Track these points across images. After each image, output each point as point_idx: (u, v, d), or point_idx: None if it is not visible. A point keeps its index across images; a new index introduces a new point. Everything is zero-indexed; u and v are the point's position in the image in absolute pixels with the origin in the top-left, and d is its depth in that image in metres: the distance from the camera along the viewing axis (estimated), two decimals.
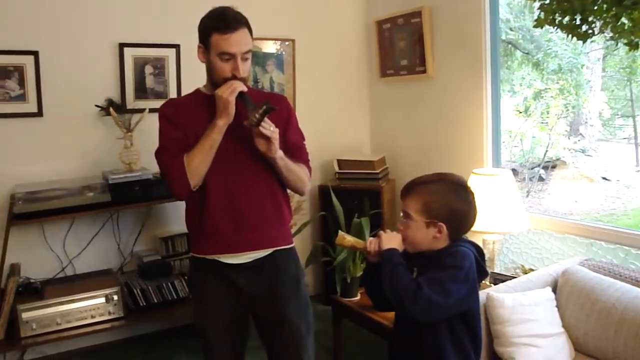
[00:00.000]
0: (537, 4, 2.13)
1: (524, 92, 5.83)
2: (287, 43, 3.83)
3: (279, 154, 1.97)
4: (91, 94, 3.20)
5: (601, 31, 1.99)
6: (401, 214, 1.78)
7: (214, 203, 1.99)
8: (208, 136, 1.93)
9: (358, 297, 3.00)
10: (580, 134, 6.04)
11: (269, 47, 3.77)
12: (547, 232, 3.00)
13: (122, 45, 3.29)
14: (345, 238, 1.83)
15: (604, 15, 1.96)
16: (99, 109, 3.16)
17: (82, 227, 3.25)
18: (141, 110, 3.20)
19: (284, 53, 3.83)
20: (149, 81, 3.40)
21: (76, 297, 2.92)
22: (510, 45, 5.58)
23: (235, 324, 2.10)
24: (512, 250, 3.16)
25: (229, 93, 1.90)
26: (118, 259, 3.38)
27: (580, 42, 2.08)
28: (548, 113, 5.79)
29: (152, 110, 3.08)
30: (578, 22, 2.08)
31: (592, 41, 2.12)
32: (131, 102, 3.32)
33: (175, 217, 3.44)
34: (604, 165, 5.68)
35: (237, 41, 1.91)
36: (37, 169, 3.12)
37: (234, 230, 2.01)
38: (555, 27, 2.12)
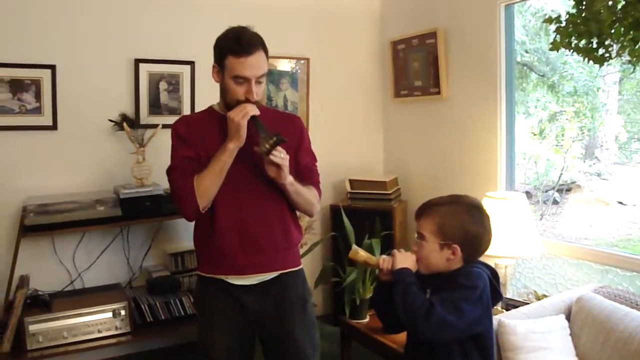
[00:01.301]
0: (553, 27, 2.11)
1: (539, 115, 5.80)
2: (302, 62, 3.84)
3: (288, 179, 1.96)
4: (106, 109, 3.22)
5: (618, 55, 1.97)
6: (415, 235, 1.75)
7: (222, 225, 1.98)
8: (218, 159, 1.93)
9: (367, 319, 2.96)
10: (596, 157, 5.98)
11: (284, 66, 3.79)
12: (561, 258, 2.94)
13: (137, 61, 3.31)
14: (359, 253, 1.80)
15: (621, 38, 1.93)
16: (113, 123, 3.18)
17: (93, 240, 3.25)
18: (154, 126, 3.21)
19: (298, 71, 3.84)
20: (163, 97, 3.42)
21: (83, 311, 2.90)
22: (525, 67, 5.56)
23: (241, 344, 2.07)
24: (525, 275, 3.11)
25: (241, 117, 1.90)
26: (127, 273, 3.38)
27: (597, 65, 2.06)
28: (563, 136, 5.75)
29: (165, 126, 3.09)
30: (594, 45, 2.06)
31: (608, 64, 2.10)
32: (145, 118, 3.34)
33: (185, 233, 3.43)
34: (620, 189, 5.61)
35: (252, 65, 1.91)
36: (50, 182, 3.14)
37: (242, 253, 1.99)
38: (572, 51, 2.10)
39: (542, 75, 5.90)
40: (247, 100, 1.92)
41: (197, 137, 2.00)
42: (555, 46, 2.13)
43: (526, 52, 5.58)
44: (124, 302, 2.99)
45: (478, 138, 3.34)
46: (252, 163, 1.97)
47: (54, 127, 3.14)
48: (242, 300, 2.02)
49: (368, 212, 3.61)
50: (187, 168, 1.95)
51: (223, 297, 2.03)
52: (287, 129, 2.03)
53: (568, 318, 2.37)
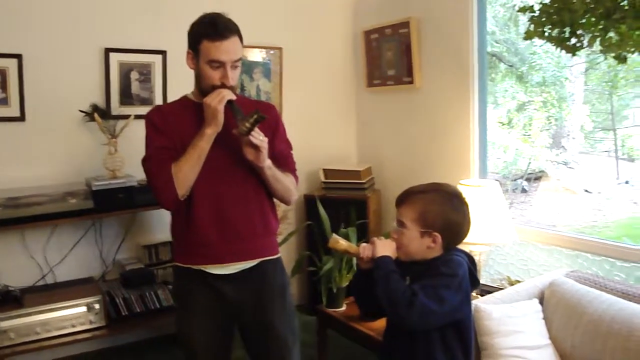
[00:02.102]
0: (526, 17, 2.14)
1: (507, 105, 5.89)
2: (273, 52, 3.82)
3: (267, 163, 1.95)
4: (76, 99, 3.15)
5: (590, 44, 2.01)
6: (394, 223, 1.76)
7: (201, 213, 1.97)
8: (196, 145, 1.90)
9: (344, 308, 2.97)
10: (562, 146, 6.11)
11: (255, 56, 3.76)
12: (532, 244, 3.01)
13: (107, 50, 3.25)
14: (339, 242, 1.80)
15: (592, 28, 1.98)
16: (84, 114, 3.11)
17: (64, 234, 3.19)
18: (126, 117, 3.15)
19: (270, 62, 3.82)
20: (135, 87, 3.36)
21: (56, 306, 2.85)
22: (494, 58, 5.63)
23: (220, 334, 2.06)
24: (498, 261, 3.16)
25: (218, 101, 1.88)
26: (100, 267, 3.32)
27: (565, 55, 2.10)
28: (531, 125, 5.85)
29: (137, 117, 3.04)
30: (567, 35, 2.10)
31: (578, 54, 2.14)
32: (116, 108, 3.28)
33: (158, 225, 3.39)
34: (586, 177, 5.75)
35: (227, 49, 1.89)
36: (19, 174, 3.06)
37: (222, 241, 1.98)
38: (545, 40, 2.14)
39: (511, 66, 5.98)
40: (223, 86, 1.90)
41: (172, 126, 1.97)
42: (528, 35, 2.17)
43: (496, 42, 5.65)
44: (98, 296, 2.95)
45: (451, 127, 3.37)
46: (229, 149, 1.95)
47: (21, 118, 3.06)
48: (221, 290, 2.00)
49: (342, 202, 3.62)
50: (163, 157, 1.92)
51: (201, 287, 2.01)
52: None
53: (541, 302, 2.43)
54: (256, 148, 1.89)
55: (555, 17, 2.06)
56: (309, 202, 3.76)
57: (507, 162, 6.05)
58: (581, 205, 5.65)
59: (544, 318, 2.37)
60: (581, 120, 5.72)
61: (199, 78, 1.97)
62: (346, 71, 4.15)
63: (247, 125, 1.83)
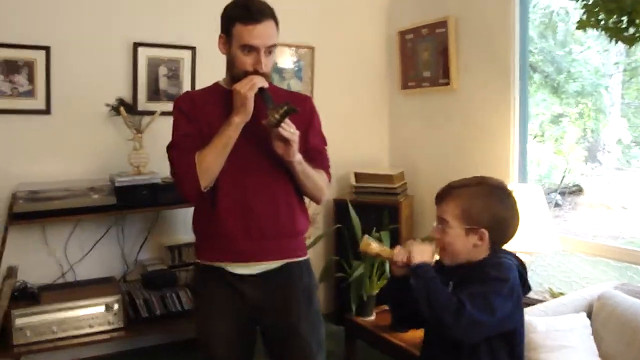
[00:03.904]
0: (579, 4, 1.98)
1: (541, 117, 5.70)
2: (305, 51, 3.70)
3: (297, 157, 1.81)
4: (102, 93, 3.08)
5: None
6: (434, 223, 1.61)
7: (225, 206, 1.84)
8: (223, 134, 1.78)
9: (374, 317, 2.82)
10: (598, 160, 5.87)
11: (288, 54, 3.65)
12: (575, 255, 2.81)
13: (136, 45, 3.17)
14: (371, 244, 1.65)
15: None
16: (109, 108, 3.04)
17: (86, 231, 3.10)
18: (153, 113, 3.07)
19: (302, 61, 3.71)
20: (163, 83, 3.28)
21: (74, 305, 2.75)
22: (529, 67, 5.45)
23: (242, 338, 1.92)
24: (538, 272, 2.97)
25: (248, 88, 1.76)
26: (121, 267, 3.22)
27: (605, 64, 1.93)
28: (564, 138, 5.63)
29: (164, 113, 2.95)
30: (625, 24, 1.93)
31: (616, 63, 1.98)
32: (143, 104, 3.20)
33: (183, 225, 3.28)
34: (623, 193, 5.50)
35: (261, 33, 1.77)
36: (43, 168, 2.99)
37: (246, 237, 1.84)
38: (599, 30, 1.98)
39: (547, 76, 5.78)
40: (256, 72, 1.78)
41: (200, 112, 1.86)
42: (581, 25, 2.00)
43: (531, 51, 5.47)
44: (117, 296, 2.84)
45: (489, 130, 3.21)
46: (258, 141, 1.83)
47: (47, 111, 3.00)
48: (243, 291, 1.87)
49: (373, 207, 3.47)
50: (188, 145, 1.80)
51: (223, 287, 1.88)
52: (297, 106, 1.88)
53: (589, 316, 2.24)
54: (286, 141, 1.77)
55: (612, 4, 1.89)
56: (338, 207, 3.61)
57: (541, 176, 5.84)
58: (618, 221, 5.41)
59: (593, 333, 2.18)
60: (618, 134, 5.49)
61: (230, 64, 1.86)
62: (380, 72, 4.02)
63: (277, 116, 1.70)
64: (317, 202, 2.02)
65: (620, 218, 5.49)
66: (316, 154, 1.97)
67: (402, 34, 3.77)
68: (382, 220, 3.16)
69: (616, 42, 1.98)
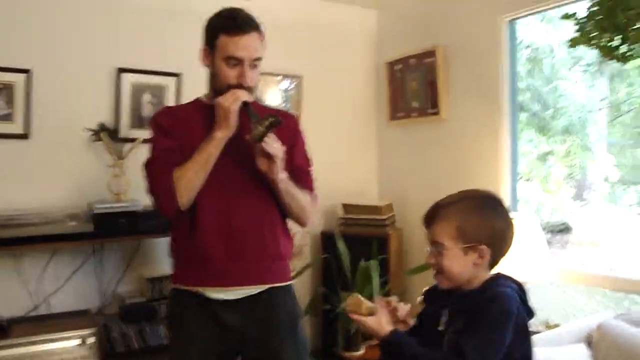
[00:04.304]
0: (572, 21, 1.95)
1: (528, 156, 5.69)
2: (293, 80, 3.67)
3: (281, 175, 1.73)
4: (84, 119, 2.98)
5: None
6: (427, 249, 1.51)
7: (205, 226, 1.74)
8: (204, 149, 1.70)
9: (363, 351, 2.69)
10: (585, 199, 5.84)
11: (276, 83, 3.61)
12: (571, 286, 2.72)
13: (120, 70, 3.11)
14: (363, 304, 1.48)
15: None
16: (91, 133, 2.94)
17: (61, 262, 2.95)
18: (135, 140, 2.98)
19: (291, 89, 3.67)
20: (147, 110, 3.20)
21: (46, 338, 2.58)
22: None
23: None
24: (534, 303, 2.85)
25: (232, 101, 1.69)
26: (98, 299, 3.06)
27: (591, 98, 1.91)
28: (552, 176, 5.61)
29: (147, 140, 2.86)
30: (619, 43, 1.91)
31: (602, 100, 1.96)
32: (125, 131, 3.12)
33: (164, 256, 3.13)
34: (609, 231, 5.45)
35: (246, 45, 1.72)
36: (19, 194, 2.86)
37: (227, 258, 1.74)
38: (592, 47, 1.95)
39: (534, 114, 5.80)
40: (240, 86, 1.71)
41: (180, 128, 1.78)
42: (575, 42, 1.98)
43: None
44: (92, 329, 2.69)
45: (479, 160, 3.16)
46: (241, 158, 1.75)
47: (25, 136, 2.90)
48: (222, 318, 1.76)
49: (362, 239, 3.37)
50: (167, 160, 1.72)
51: (200, 314, 1.77)
52: (281, 126, 1.81)
53: (588, 347, 2.13)
54: (270, 158, 1.69)
55: (606, 21, 1.87)
56: (326, 239, 3.52)
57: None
58: (608, 258, 5.35)
59: None
60: (605, 172, 5.48)
61: (213, 77, 1.79)
62: (368, 103, 3.99)
63: (261, 129, 1.63)
64: (302, 224, 1.93)
65: (609, 255, 5.43)
66: (301, 173, 1.89)
67: (391, 64, 3.75)
68: (370, 252, 3.06)
69: (610, 59, 1.95)
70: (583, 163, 5.72)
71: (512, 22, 3.03)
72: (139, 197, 2.87)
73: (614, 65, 3.42)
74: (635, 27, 1.83)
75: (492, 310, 1.35)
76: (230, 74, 1.73)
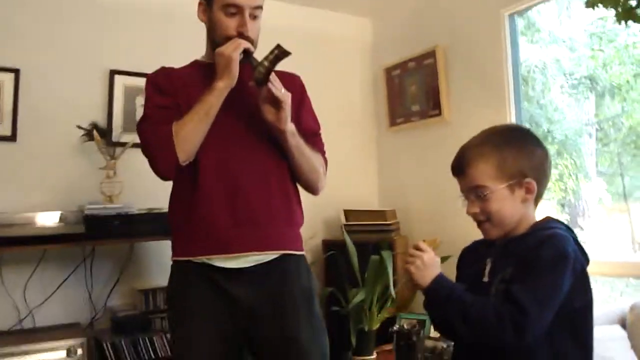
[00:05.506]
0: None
1: None
2: None
3: (289, 126, 1.60)
4: (74, 122, 2.83)
5: None
6: (462, 197, 1.38)
7: (208, 187, 1.59)
8: (204, 100, 1.57)
9: (374, 356, 2.50)
10: (579, 225, 5.74)
11: None
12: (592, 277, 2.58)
13: (113, 72, 3.00)
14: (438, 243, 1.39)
15: None
16: (82, 132, 2.80)
17: (49, 271, 2.75)
18: (125, 144, 2.86)
19: None
20: (140, 113, 3.07)
21: (30, 348, 2.37)
22: None
23: (227, 350, 1.61)
24: None
25: (233, 49, 1.57)
26: (88, 312, 2.84)
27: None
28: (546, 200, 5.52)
29: (137, 145, 2.73)
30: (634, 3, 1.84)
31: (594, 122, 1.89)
32: (118, 135, 2.98)
33: (158, 267, 2.95)
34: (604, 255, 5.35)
35: None
36: (5, 198, 2.69)
37: (233, 223, 1.58)
38: (609, 6, 1.88)
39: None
40: (241, 36, 1.60)
41: (178, 89, 1.66)
42: (591, 3, 1.91)
43: None
44: (81, 339, 2.47)
45: None
46: (246, 112, 1.63)
47: (12, 138, 2.76)
48: (229, 290, 1.58)
49: (365, 246, 3.20)
50: (163, 116, 1.59)
51: (205, 288, 1.59)
52: (287, 86, 1.68)
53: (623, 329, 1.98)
54: (277, 104, 1.56)
55: None
56: (328, 249, 3.35)
57: None
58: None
59: (632, 347, 1.92)
60: (598, 196, 5.41)
61: (211, 31, 1.68)
62: (366, 111, 3.90)
63: (266, 64, 1.51)
64: (314, 190, 1.78)
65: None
66: (311, 136, 1.77)
67: (388, 70, 3.69)
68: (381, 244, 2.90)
69: (626, 22, 1.88)
70: (577, 187, 5.65)
71: (511, 15, 2.98)
72: (133, 200, 2.74)
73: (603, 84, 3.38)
74: None
75: (546, 254, 1.21)
76: (229, 24, 1.62)
